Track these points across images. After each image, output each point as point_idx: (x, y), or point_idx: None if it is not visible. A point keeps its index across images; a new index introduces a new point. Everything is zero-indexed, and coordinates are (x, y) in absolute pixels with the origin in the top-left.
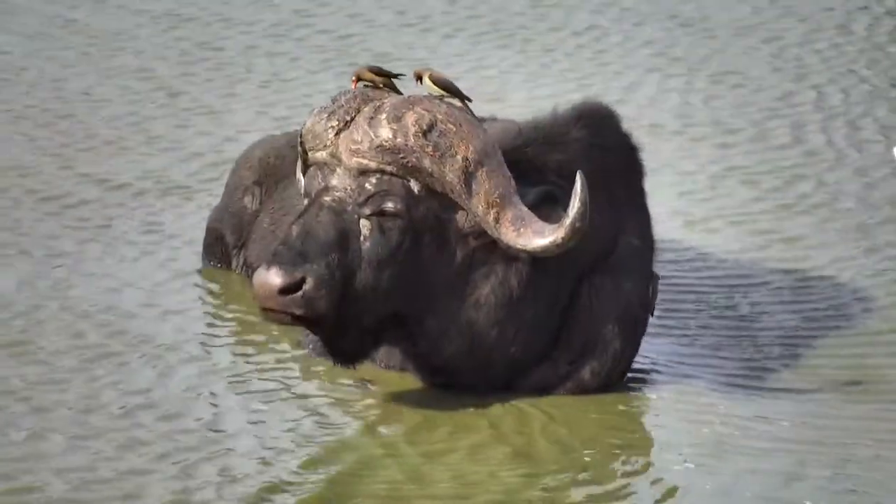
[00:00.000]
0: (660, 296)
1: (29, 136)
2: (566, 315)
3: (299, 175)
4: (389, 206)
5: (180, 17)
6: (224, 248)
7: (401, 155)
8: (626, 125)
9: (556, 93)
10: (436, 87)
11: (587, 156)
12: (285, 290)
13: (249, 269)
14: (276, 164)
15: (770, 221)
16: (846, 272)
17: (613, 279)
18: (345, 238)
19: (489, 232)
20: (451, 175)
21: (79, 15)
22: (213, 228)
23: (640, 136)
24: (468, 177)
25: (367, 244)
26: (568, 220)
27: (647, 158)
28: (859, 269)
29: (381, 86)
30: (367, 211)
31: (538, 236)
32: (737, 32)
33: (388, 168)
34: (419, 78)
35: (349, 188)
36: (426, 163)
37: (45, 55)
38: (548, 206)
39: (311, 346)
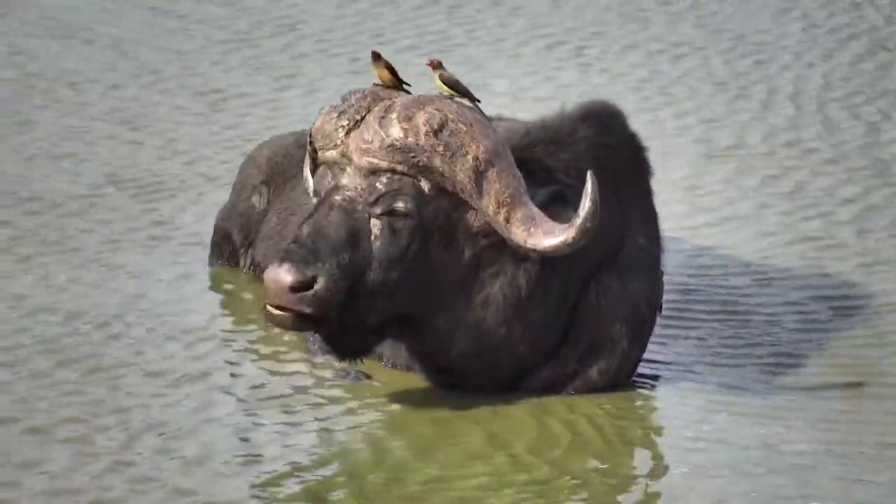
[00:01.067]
0: (673, 297)
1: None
2: (574, 314)
3: (307, 174)
4: (400, 205)
5: (241, 32)
6: (232, 247)
7: (412, 154)
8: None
9: (633, 104)
10: (445, 87)
11: (594, 155)
12: (296, 288)
13: (257, 269)
14: (284, 164)
15: (841, 236)
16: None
17: (621, 279)
18: (355, 237)
19: (499, 232)
20: (461, 174)
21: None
22: (221, 227)
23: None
24: (479, 176)
25: (378, 244)
26: (579, 220)
27: (710, 173)
28: None
29: (390, 85)
30: (377, 210)
31: (549, 236)
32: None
33: (399, 167)
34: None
35: (360, 187)
36: (437, 162)
37: (111, 72)
38: (558, 206)
39: (316, 345)
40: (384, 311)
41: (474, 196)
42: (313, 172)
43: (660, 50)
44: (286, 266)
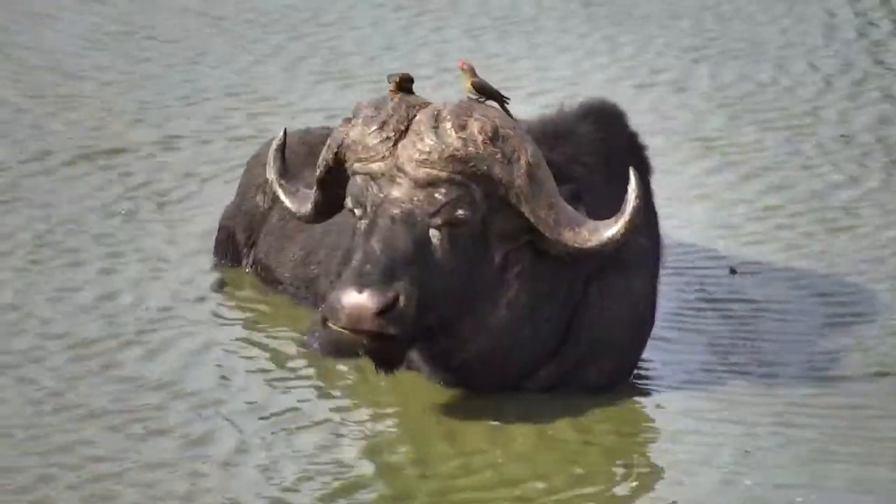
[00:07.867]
0: (677, 295)
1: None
2: (575, 313)
3: (282, 194)
4: (461, 213)
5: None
6: (235, 245)
7: (471, 164)
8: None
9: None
10: (476, 93)
11: (594, 153)
12: (382, 311)
13: (259, 267)
14: (289, 162)
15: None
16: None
17: (622, 278)
18: (421, 250)
19: (546, 233)
20: (519, 180)
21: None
22: (225, 226)
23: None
24: (532, 179)
25: (440, 254)
26: (626, 216)
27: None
28: None
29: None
30: (438, 221)
31: (594, 234)
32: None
33: (458, 177)
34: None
35: (416, 199)
36: (496, 170)
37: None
38: (574, 204)
39: (317, 346)
40: (430, 319)
41: (530, 200)
42: (321, 182)
43: None
44: (368, 291)
